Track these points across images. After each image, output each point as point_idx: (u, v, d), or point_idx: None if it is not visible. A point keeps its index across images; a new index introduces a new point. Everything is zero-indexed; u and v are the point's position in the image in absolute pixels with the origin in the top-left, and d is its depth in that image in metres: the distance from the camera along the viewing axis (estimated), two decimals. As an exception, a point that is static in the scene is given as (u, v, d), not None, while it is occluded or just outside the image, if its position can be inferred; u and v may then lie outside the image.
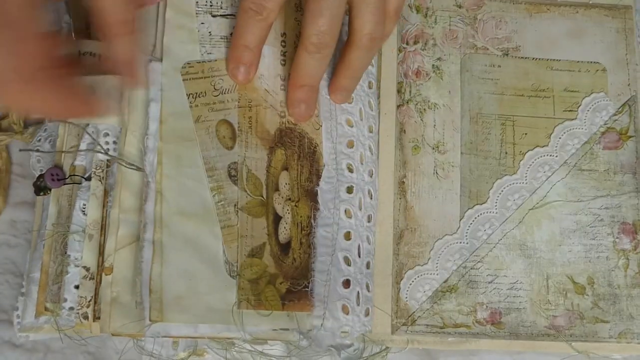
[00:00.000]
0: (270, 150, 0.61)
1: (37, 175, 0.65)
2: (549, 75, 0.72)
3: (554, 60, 0.72)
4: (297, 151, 0.62)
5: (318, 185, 0.63)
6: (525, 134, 0.70)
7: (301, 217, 0.62)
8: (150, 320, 0.56)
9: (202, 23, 0.62)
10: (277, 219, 0.61)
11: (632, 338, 0.67)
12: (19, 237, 0.70)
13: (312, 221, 0.62)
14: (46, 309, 0.62)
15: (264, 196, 0.61)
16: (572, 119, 0.71)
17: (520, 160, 0.69)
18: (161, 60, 0.61)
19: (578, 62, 0.72)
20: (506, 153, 0.70)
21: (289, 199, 0.61)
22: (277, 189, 0.61)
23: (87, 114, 0.55)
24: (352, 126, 0.65)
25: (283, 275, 0.60)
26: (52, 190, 0.64)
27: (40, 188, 0.64)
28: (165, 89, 0.60)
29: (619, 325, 0.67)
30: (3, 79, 0.47)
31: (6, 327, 0.68)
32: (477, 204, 0.68)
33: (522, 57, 0.72)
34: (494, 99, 0.71)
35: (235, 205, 0.59)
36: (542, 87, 0.71)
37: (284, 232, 0.61)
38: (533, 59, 0.72)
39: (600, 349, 0.67)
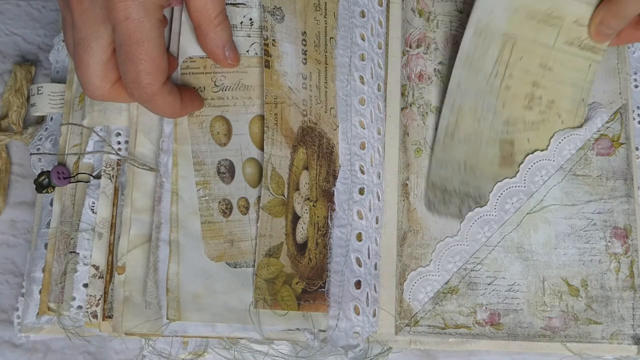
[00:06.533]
0: (294, 148, 0.61)
1: (38, 173, 0.65)
2: (567, 2, 0.68)
3: None
4: (316, 151, 0.63)
5: (334, 185, 0.63)
6: (521, 57, 0.69)
7: (318, 217, 0.62)
8: (168, 319, 0.56)
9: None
10: (296, 218, 0.61)
11: (623, 339, 0.68)
12: (18, 237, 0.70)
13: (329, 222, 0.62)
14: (49, 308, 0.62)
15: (285, 195, 0.61)
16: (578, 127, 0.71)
17: (520, 164, 0.70)
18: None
19: None
20: (497, 73, 0.69)
21: (308, 199, 0.62)
22: (297, 189, 0.61)
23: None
24: (364, 128, 0.66)
25: (299, 276, 0.60)
26: (55, 188, 0.64)
27: (43, 186, 0.63)
28: None
29: (611, 327, 0.68)
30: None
31: (6, 327, 0.67)
32: (477, 207, 0.69)
33: None
34: (505, 16, 0.68)
35: (220, 202, 0.59)
36: (555, 13, 0.68)
37: (301, 232, 0.61)
38: None
39: (593, 350, 0.68)
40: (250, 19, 0.62)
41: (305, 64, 0.64)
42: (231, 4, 0.61)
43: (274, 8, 0.62)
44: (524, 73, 0.69)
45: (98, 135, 0.62)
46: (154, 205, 0.59)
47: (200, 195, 0.59)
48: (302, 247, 0.61)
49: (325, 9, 0.66)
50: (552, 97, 0.70)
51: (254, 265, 0.59)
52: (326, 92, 0.64)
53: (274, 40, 0.61)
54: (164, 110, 0.56)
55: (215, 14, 0.56)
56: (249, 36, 0.62)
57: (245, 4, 0.62)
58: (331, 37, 0.66)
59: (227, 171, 0.60)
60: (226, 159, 0.60)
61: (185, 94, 0.58)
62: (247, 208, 0.60)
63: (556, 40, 0.69)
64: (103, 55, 0.53)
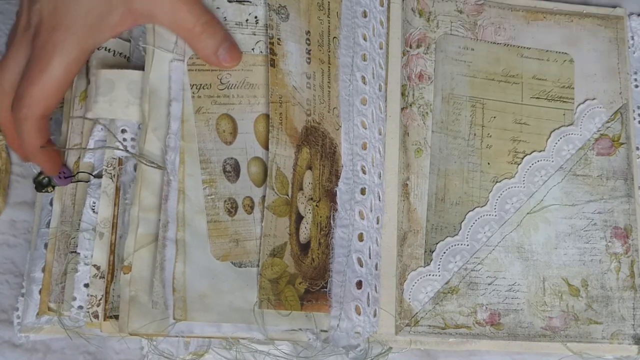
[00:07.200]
0: (298, 148, 0.61)
1: (37, 172, 0.64)
2: (519, 62, 0.74)
3: (524, 47, 0.74)
4: (320, 151, 0.63)
5: (337, 185, 0.63)
6: (494, 117, 0.72)
7: (321, 217, 0.62)
8: (174, 319, 0.56)
9: (218, 7, 0.62)
10: (299, 218, 0.61)
11: (624, 339, 0.68)
12: (18, 237, 0.69)
13: (332, 222, 0.62)
14: (49, 308, 0.61)
15: (289, 195, 0.61)
16: (569, 124, 0.72)
17: (519, 164, 0.71)
18: (183, 59, 0.60)
19: (547, 51, 0.74)
20: (474, 135, 0.71)
21: (311, 199, 0.62)
22: (301, 188, 0.61)
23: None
24: (366, 128, 0.66)
25: (302, 276, 0.60)
26: (56, 188, 0.63)
27: (43, 185, 0.63)
28: (187, 88, 0.60)
29: (611, 327, 0.68)
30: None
31: (6, 327, 0.67)
32: (478, 207, 0.69)
33: (494, 42, 0.74)
34: (466, 81, 0.72)
35: (225, 201, 0.59)
36: (512, 73, 0.73)
37: (304, 232, 0.61)
38: (505, 45, 0.74)
39: (593, 350, 0.68)
40: (256, 17, 0.62)
41: (309, 63, 0.64)
42: (237, 1, 0.61)
43: (279, 7, 0.62)
44: (501, 131, 0.72)
45: (104, 126, 0.61)
46: (160, 204, 0.58)
47: (207, 193, 0.59)
48: (305, 247, 0.61)
49: (329, 9, 0.66)
50: (534, 148, 0.72)
51: (258, 265, 0.59)
52: (329, 92, 0.64)
53: (279, 39, 0.61)
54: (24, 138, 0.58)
55: (192, 24, 0.57)
56: (254, 34, 0.62)
57: (250, 2, 0.62)
58: (334, 37, 0.66)
59: (232, 170, 0.60)
60: (232, 158, 0.60)
61: (52, 153, 0.60)
62: (252, 207, 0.60)
63: (522, 96, 0.73)
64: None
